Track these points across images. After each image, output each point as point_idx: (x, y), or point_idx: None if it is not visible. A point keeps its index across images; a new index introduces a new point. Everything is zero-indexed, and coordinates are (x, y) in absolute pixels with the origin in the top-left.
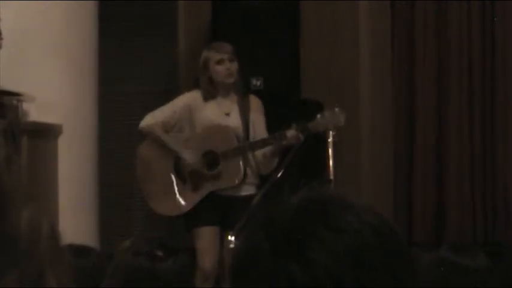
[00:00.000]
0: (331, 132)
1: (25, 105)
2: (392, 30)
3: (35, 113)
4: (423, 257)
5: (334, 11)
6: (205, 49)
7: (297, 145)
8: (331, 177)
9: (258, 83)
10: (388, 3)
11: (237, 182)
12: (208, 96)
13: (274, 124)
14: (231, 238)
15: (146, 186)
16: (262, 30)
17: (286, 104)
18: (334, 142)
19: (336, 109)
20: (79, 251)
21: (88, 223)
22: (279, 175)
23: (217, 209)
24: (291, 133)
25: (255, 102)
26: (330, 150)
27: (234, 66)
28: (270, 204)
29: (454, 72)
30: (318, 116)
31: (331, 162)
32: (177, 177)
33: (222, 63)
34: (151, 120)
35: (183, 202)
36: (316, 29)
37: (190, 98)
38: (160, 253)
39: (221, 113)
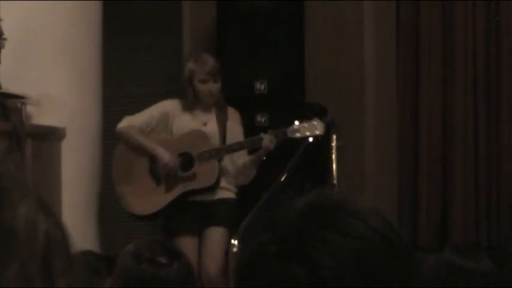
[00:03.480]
0: (334, 137)
1: (29, 108)
2: (397, 31)
3: (38, 115)
4: (426, 260)
5: (338, 12)
6: (191, 60)
7: (271, 148)
8: (335, 181)
9: (262, 87)
10: (393, 4)
11: (211, 182)
12: (188, 107)
13: (278, 128)
14: (234, 242)
15: (120, 187)
16: (267, 31)
17: (289, 107)
18: (337, 146)
19: (314, 119)
20: (86, 256)
21: (91, 226)
22: (283, 179)
23: (194, 215)
24: (266, 136)
25: (232, 113)
26: (334, 155)
27: (217, 86)
28: (275, 208)
29: (459, 73)
30: (296, 122)
31: (334, 167)
32: (151, 178)
33: (206, 83)
34: (127, 122)
35: (154, 202)
36: (320, 31)
37: (169, 105)
38: (163, 259)
39: (199, 123)
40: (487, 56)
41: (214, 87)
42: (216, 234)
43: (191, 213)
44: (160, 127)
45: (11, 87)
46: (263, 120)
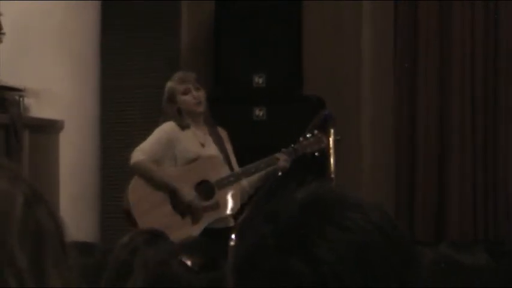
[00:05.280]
0: (332, 130)
1: (27, 100)
2: (395, 29)
3: (36, 107)
4: (425, 254)
5: (336, 8)
6: (168, 81)
7: (287, 167)
8: (333, 175)
9: (260, 81)
10: (391, 3)
11: (236, 210)
12: (184, 126)
13: (276, 122)
14: (232, 236)
15: (144, 224)
16: (265, 26)
17: (288, 101)
18: (335, 140)
19: (315, 132)
20: (83, 248)
21: (89, 218)
22: (280, 173)
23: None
24: (282, 156)
25: (224, 134)
26: (331, 149)
27: (201, 94)
28: (274, 200)
29: (457, 72)
30: (301, 139)
31: (332, 160)
32: (175, 211)
33: (189, 93)
34: (142, 155)
35: (186, 234)
36: (318, 26)
37: (169, 130)
38: (193, 263)
39: (197, 144)
40: (485, 55)
41: (198, 94)
42: None
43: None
44: (166, 153)
45: (10, 81)
46: (261, 114)
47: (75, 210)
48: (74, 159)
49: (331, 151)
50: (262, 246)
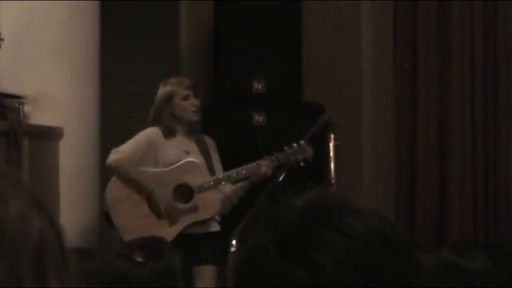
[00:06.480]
0: (332, 136)
1: (26, 108)
2: (394, 30)
3: (36, 114)
4: (425, 258)
5: (336, 11)
6: (165, 83)
7: (269, 175)
8: (333, 181)
9: (260, 86)
10: (390, 3)
11: (214, 213)
12: (169, 133)
13: (276, 127)
14: (233, 242)
15: (121, 223)
16: (264, 30)
17: (287, 107)
18: (335, 146)
19: (301, 142)
20: (82, 253)
21: (89, 225)
22: (281, 178)
23: (188, 249)
24: (264, 162)
25: (210, 142)
26: (331, 154)
27: (198, 102)
28: (275, 206)
29: (456, 72)
30: (286, 148)
31: (332, 166)
32: (151, 212)
33: (188, 99)
34: (118, 155)
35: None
36: (318, 30)
37: (153, 134)
38: (139, 257)
39: (180, 151)
40: (484, 55)
41: (196, 102)
42: (210, 273)
43: (184, 247)
44: (146, 156)
45: (9, 87)
46: (261, 119)
47: (75, 217)
48: (74, 166)
49: (331, 156)
50: (263, 252)
